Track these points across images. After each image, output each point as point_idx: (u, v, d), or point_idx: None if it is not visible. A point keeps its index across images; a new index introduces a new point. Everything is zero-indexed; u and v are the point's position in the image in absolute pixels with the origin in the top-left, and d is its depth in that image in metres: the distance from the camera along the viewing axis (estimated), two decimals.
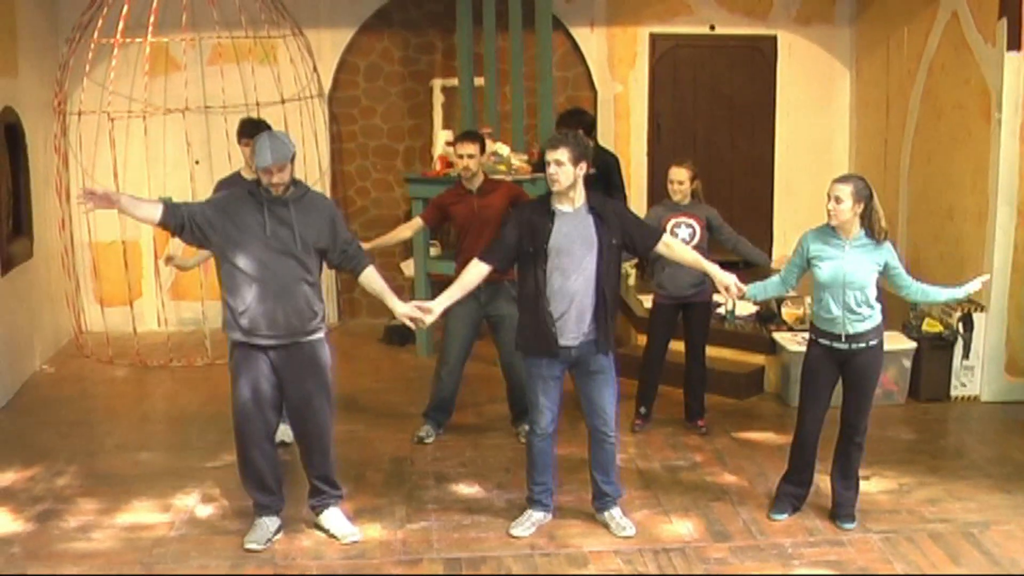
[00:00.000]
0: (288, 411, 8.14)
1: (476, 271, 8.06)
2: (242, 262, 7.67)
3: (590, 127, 12.34)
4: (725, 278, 8.19)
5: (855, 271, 7.98)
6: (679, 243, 8.64)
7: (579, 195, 7.88)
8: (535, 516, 8.31)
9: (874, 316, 8.07)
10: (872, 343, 8.09)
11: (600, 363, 8.05)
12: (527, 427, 9.81)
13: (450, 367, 10.09)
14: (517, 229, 7.92)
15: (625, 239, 7.98)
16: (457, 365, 10.10)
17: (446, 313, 8.83)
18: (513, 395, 10.18)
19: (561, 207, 7.86)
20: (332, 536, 8.16)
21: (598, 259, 7.84)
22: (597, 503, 8.39)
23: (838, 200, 7.93)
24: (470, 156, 9.87)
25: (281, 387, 7.95)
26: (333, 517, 8.27)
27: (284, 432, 9.24)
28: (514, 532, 8.20)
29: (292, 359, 7.88)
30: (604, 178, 12.01)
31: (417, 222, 10.26)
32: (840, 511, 8.35)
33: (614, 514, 8.31)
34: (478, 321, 10.00)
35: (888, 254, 8.05)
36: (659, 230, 8.55)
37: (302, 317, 7.82)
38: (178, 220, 7.62)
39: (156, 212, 7.62)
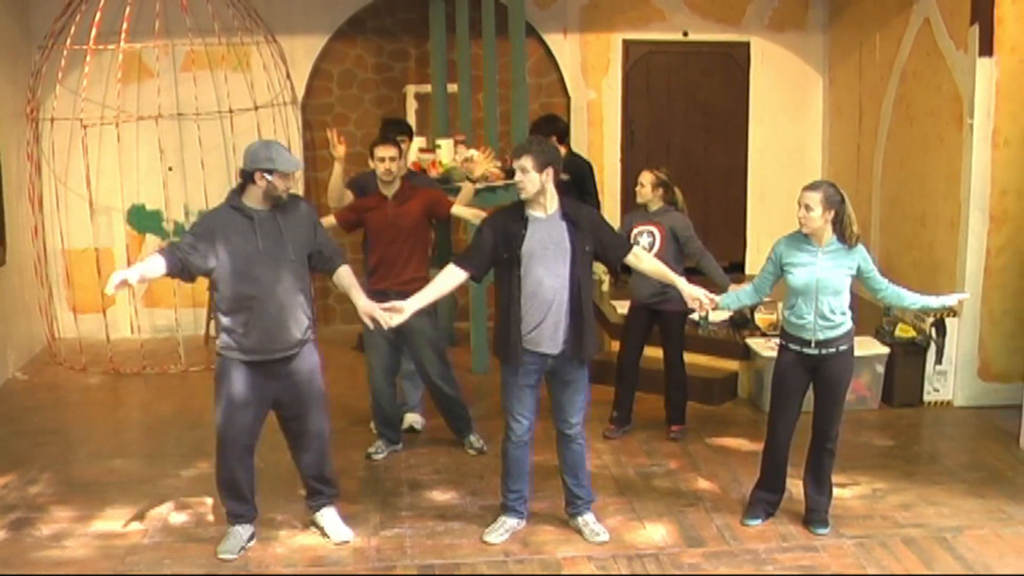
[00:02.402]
0: (286, 418, 8.10)
1: (452, 277, 7.96)
2: (240, 282, 7.61)
3: (564, 133, 12.42)
4: (692, 291, 8.16)
5: (828, 277, 7.99)
6: (648, 256, 8.60)
7: (552, 201, 7.85)
8: (509, 523, 8.30)
9: (845, 323, 8.08)
10: (842, 348, 8.11)
11: (574, 373, 8.04)
12: (472, 439, 9.80)
13: (378, 383, 9.90)
14: (492, 235, 7.88)
15: (597, 247, 7.96)
16: (380, 376, 9.87)
17: (365, 325, 8.87)
18: (442, 411, 10.14)
19: (534, 213, 7.83)
20: (326, 535, 8.21)
21: (571, 266, 7.81)
22: (570, 508, 8.38)
23: (808, 208, 7.94)
24: (392, 159, 9.58)
25: (276, 396, 7.93)
26: (330, 517, 8.32)
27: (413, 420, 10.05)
28: (488, 539, 8.19)
29: (289, 368, 7.87)
30: (578, 184, 12.07)
31: (330, 220, 9.73)
32: (813, 516, 8.36)
33: (587, 519, 8.30)
34: (392, 332, 9.10)
35: (860, 258, 8.05)
36: (629, 241, 8.52)
37: (300, 327, 7.83)
38: (177, 265, 7.53)
39: (162, 265, 7.50)
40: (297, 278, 7.76)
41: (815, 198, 7.93)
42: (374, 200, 9.74)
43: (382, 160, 9.57)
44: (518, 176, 7.74)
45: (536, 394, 8.10)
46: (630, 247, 8.23)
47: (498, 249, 7.84)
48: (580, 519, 8.31)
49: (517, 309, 7.81)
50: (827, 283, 7.99)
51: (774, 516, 8.53)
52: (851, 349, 8.20)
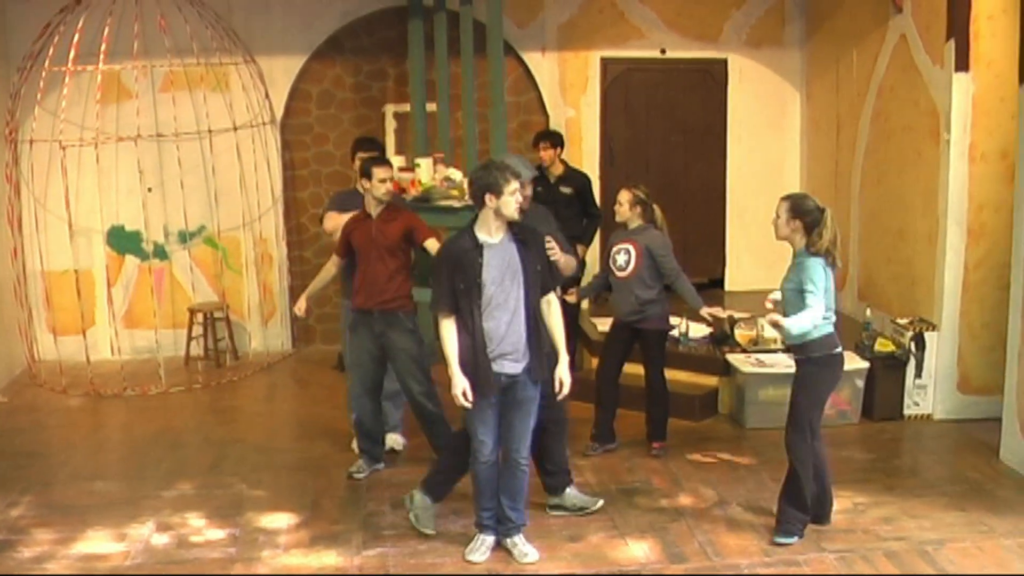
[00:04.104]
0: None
1: (448, 327, 7.94)
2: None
3: (561, 148, 12.62)
4: (561, 374, 8.08)
5: (785, 288, 8.21)
6: (555, 312, 8.22)
7: (502, 225, 7.90)
8: (488, 540, 8.29)
9: (807, 335, 8.11)
10: (799, 359, 8.24)
11: (528, 392, 8.03)
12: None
13: (356, 398, 9.87)
14: (448, 268, 7.90)
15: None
16: (363, 393, 9.83)
17: (348, 342, 9.29)
18: (425, 428, 10.02)
19: (489, 239, 7.86)
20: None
21: (525, 286, 7.87)
22: (500, 527, 8.34)
23: (776, 215, 8.18)
24: (390, 179, 9.68)
25: None
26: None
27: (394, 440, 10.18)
28: (471, 557, 8.18)
29: None
30: (580, 197, 12.26)
31: (334, 259, 9.96)
32: (776, 525, 8.44)
33: (516, 541, 8.28)
34: (376, 349, 9.69)
35: (797, 270, 8.15)
36: (554, 283, 8.32)
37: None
38: None
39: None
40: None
41: (782, 206, 8.14)
42: (357, 218, 9.78)
43: (383, 181, 9.58)
44: (518, 198, 7.84)
45: (497, 412, 8.08)
46: (549, 289, 8.14)
47: (455, 280, 7.84)
48: (509, 540, 8.30)
49: (481, 334, 7.84)
50: (781, 293, 8.26)
51: (758, 533, 8.56)
52: (811, 361, 8.23)
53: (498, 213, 7.81)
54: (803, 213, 8.05)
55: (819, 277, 8.01)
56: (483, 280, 7.77)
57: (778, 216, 8.13)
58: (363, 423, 9.91)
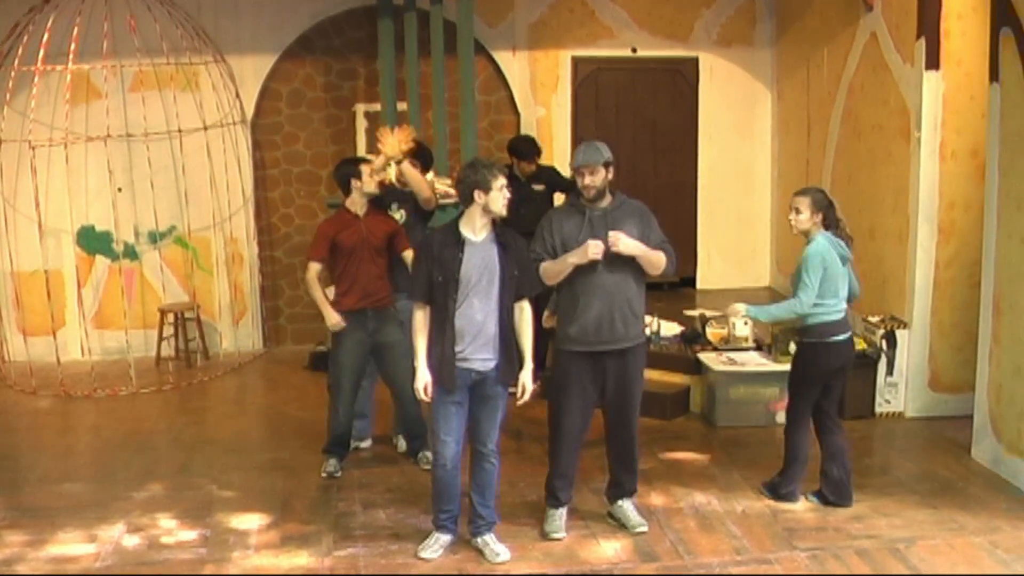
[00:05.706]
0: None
1: (420, 318, 8.03)
2: (574, 273, 8.23)
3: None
4: (524, 381, 8.16)
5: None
6: (528, 316, 8.26)
7: (487, 223, 7.95)
8: (442, 539, 8.31)
9: (808, 319, 8.76)
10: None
11: (496, 389, 8.08)
12: (429, 455, 9.76)
13: (345, 402, 9.83)
14: (427, 259, 7.95)
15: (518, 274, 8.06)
16: (351, 398, 9.84)
17: (336, 343, 9.56)
18: (405, 424, 10.14)
19: (472, 236, 7.91)
20: (623, 526, 8.70)
21: (500, 288, 7.92)
22: (472, 527, 8.35)
23: (797, 211, 8.60)
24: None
25: (603, 390, 8.50)
26: (628, 507, 8.81)
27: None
28: (423, 554, 8.21)
29: (618, 363, 8.39)
30: (552, 187, 12.29)
31: (316, 267, 9.74)
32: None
33: (487, 540, 8.29)
34: (367, 350, 9.78)
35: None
36: (530, 290, 8.23)
37: (627, 322, 8.37)
38: None
39: None
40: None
41: (803, 202, 8.57)
42: (342, 220, 9.76)
43: (372, 174, 9.75)
44: (506, 194, 7.93)
45: (462, 413, 8.08)
46: (524, 295, 8.15)
47: (433, 274, 7.88)
48: (480, 539, 8.31)
49: (452, 329, 7.88)
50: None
51: (729, 531, 8.57)
52: (801, 345, 9.01)
53: (486, 209, 7.87)
54: (824, 207, 8.58)
55: (815, 266, 8.58)
56: (460, 276, 7.81)
57: (799, 211, 8.55)
58: (344, 427, 9.90)
